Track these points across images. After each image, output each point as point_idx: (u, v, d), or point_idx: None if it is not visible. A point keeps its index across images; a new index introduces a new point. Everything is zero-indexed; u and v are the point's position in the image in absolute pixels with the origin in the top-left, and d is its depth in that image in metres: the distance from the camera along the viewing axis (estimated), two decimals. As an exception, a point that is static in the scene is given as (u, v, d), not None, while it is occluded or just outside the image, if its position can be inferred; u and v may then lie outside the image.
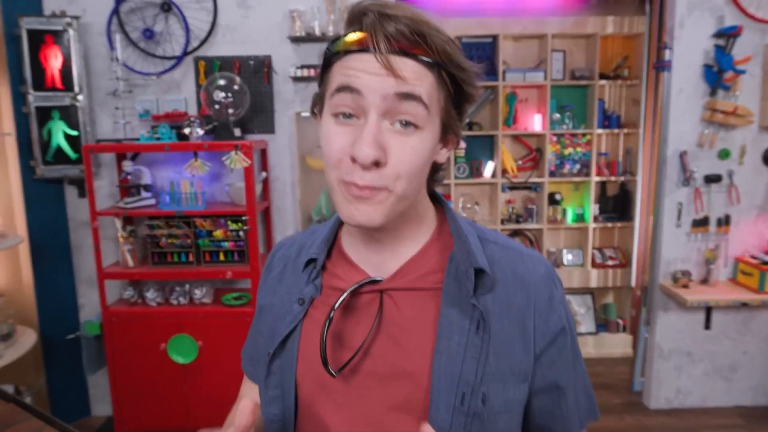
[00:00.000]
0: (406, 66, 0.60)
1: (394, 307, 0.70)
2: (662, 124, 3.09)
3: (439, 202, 0.79)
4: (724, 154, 3.02)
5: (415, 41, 0.60)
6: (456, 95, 0.66)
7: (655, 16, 3.46)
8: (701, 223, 3.07)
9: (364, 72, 0.60)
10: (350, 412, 0.70)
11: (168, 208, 2.64)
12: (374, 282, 0.72)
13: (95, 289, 2.90)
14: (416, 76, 0.61)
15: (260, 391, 0.79)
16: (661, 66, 3.10)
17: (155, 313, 2.67)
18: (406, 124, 0.62)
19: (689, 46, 2.98)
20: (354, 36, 0.62)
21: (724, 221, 3.07)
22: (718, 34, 2.94)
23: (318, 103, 0.70)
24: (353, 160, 0.61)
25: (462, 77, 0.65)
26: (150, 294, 2.71)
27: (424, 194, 0.75)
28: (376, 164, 0.61)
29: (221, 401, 2.69)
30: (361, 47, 0.61)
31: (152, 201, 2.76)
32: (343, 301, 0.71)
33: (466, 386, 0.65)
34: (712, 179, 3.03)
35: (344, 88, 0.61)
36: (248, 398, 0.66)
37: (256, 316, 0.87)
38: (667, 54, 3.03)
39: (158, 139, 2.62)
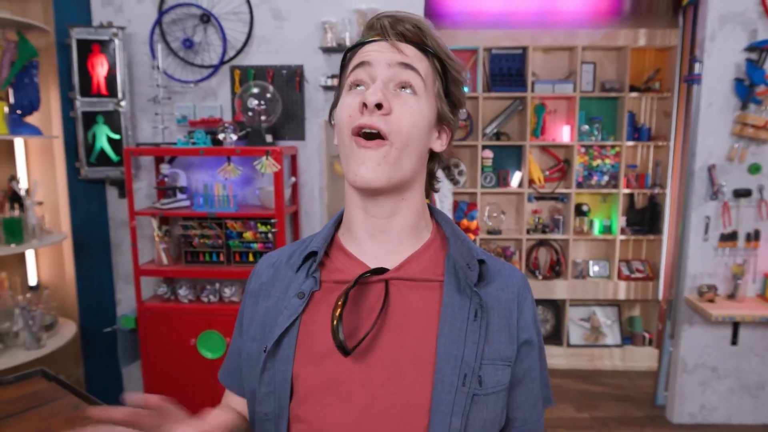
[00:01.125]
0: (408, 49, 0.75)
1: (399, 296, 0.76)
2: (691, 137, 3.08)
3: (430, 210, 0.87)
4: (754, 169, 2.98)
5: (416, 35, 0.75)
6: (446, 87, 0.78)
7: (687, 29, 3.44)
8: (729, 238, 3.03)
9: (373, 50, 0.74)
10: (354, 401, 0.72)
11: (201, 210, 2.76)
12: (380, 272, 0.77)
13: (132, 285, 3.06)
14: (415, 56, 0.75)
15: (249, 400, 0.81)
16: (690, 79, 3.09)
17: (187, 309, 2.80)
18: (404, 87, 0.74)
19: (720, 60, 2.96)
20: (369, 35, 0.77)
21: (754, 236, 3.02)
22: (751, 48, 2.92)
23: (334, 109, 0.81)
24: (363, 106, 0.71)
25: (452, 65, 0.78)
26: (182, 291, 2.83)
27: (422, 193, 0.82)
28: (379, 107, 0.71)
29: (246, 397, 2.78)
30: (374, 39, 0.76)
31: (187, 202, 2.90)
32: (354, 285, 0.74)
33: (468, 368, 0.72)
34: (741, 194, 2.99)
35: (359, 64, 0.75)
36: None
37: (237, 332, 0.88)
38: (697, 67, 3.02)
39: (194, 143, 2.75)
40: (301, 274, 0.81)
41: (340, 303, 0.72)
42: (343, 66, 0.80)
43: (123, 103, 2.91)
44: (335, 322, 0.71)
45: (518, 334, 0.78)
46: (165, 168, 2.90)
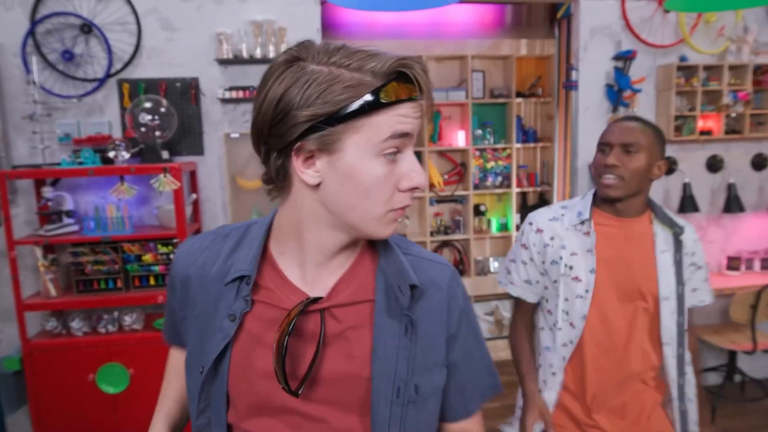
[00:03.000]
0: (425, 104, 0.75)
1: (334, 321, 0.77)
2: (572, 138, 3.36)
3: None
4: (627, 165, 3.31)
5: (429, 88, 0.74)
6: None
7: (563, 40, 3.75)
8: (610, 229, 3.34)
9: (412, 117, 0.71)
10: (293, 424, 0.77)
11: (93, 234, 2.56)
12: (315, 300, 0.77)
13: (12, 322, 2.74)
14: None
15: (188, 388, 0.84)
16: (569, 86, 3.37)
17: (82, 342, 2.57)
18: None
19: (593, 68, 3.26)
20: (406, 88, 0.71)
21: (630, 226, 3.36)
22: (617, 57, 3.25)
23: (334, 140, 0.70)
24: (408, 189, 0.73)
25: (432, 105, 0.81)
26: (75, 324, 2.60)
27: None
28: None
29: (156, 430, 2.62)
30: (410, 96, 0.71)
31: (75, 227, 2.67)
32: (291, 326, 0.74)
33: (401, 381, 0.76)
34: (618, 188, 3.31)
35: (402, 135, 0.71)
36: None
37: (170, 293, 0.89)
38: (573, 75, 3.30)
39: (81, 163, 2.55)
40: (231, 291, 0.79)
41: (282, 351, 0.73)
42: (366, 110, 0.69)
43: (-8, 122, 2.63)
44: (277, 367, 0.73)
45: (448, 332, 0.83)
46: (47, 191, 2.66)
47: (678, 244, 1.43)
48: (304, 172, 0.72)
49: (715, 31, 3.39)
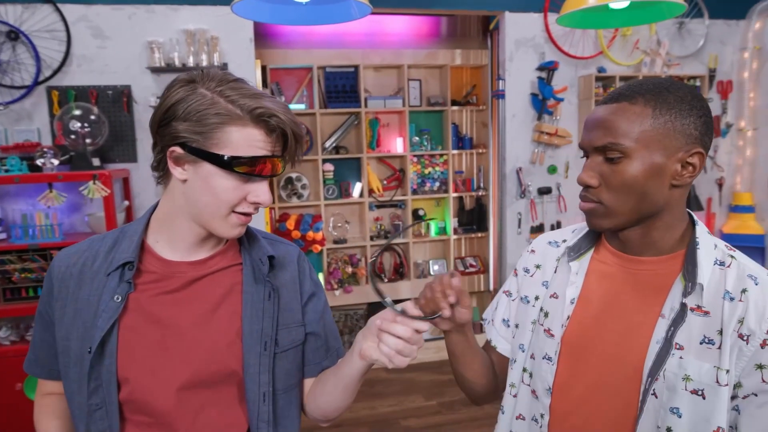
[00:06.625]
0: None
1: (209, 286, 0.94)
2: (501, 144, 3.53)
3: None
4: (552, 170, 3.51)
5: (293, 155, 0.89)
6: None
7: (495, 50, 3.93)
8: (538, 230, 3.53)
9: (266, 166, 0.85)
10: (178, 379, 0.88)
11: (21, 242, 2.55)
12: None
13: (-63, 333, 2.70)
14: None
15: (66, 383, 0.91)
16: (497, 94, 3.55)
17: (9, 351, 2.55)
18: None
19: (518, 78, 3.45)
20: (266, 150, 0.84)
21: (557, 226, 3.55)
22: (540, 68, 3.44)
23: (194, 154, 0.84)
24: (253, 202, 0.87)
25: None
26: (2, 333, 2.58)
27: None
28: None
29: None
30: (271, 154, 0.85)
31: (2, 235, 2.65)
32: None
33: (267, 337, 0.93)
34: (544, 191, 3.51)
35: (256, 176, 0.85)
36: None
37: (41, 326, 0.98)
38: (501, 84, 3.48)
39: (7, 171, 2.54)
40: (113, 278, 0.90)
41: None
42: (217, 129, 0.82)
43: None
44: None
45: (302, 297, 1.01)
46: (-28, 199, 2.63)
47: (682, 310, 0.83)
48: (175, 168, 0.86)
49: (631, 44, 3.64)
